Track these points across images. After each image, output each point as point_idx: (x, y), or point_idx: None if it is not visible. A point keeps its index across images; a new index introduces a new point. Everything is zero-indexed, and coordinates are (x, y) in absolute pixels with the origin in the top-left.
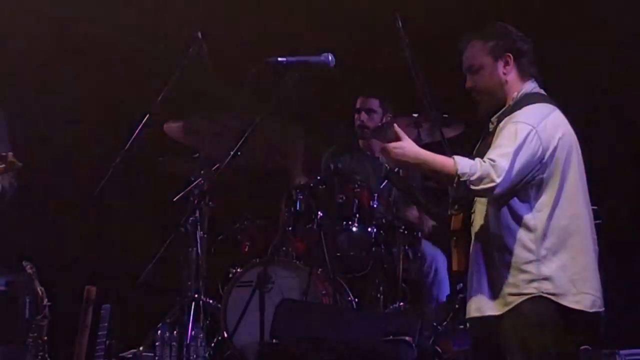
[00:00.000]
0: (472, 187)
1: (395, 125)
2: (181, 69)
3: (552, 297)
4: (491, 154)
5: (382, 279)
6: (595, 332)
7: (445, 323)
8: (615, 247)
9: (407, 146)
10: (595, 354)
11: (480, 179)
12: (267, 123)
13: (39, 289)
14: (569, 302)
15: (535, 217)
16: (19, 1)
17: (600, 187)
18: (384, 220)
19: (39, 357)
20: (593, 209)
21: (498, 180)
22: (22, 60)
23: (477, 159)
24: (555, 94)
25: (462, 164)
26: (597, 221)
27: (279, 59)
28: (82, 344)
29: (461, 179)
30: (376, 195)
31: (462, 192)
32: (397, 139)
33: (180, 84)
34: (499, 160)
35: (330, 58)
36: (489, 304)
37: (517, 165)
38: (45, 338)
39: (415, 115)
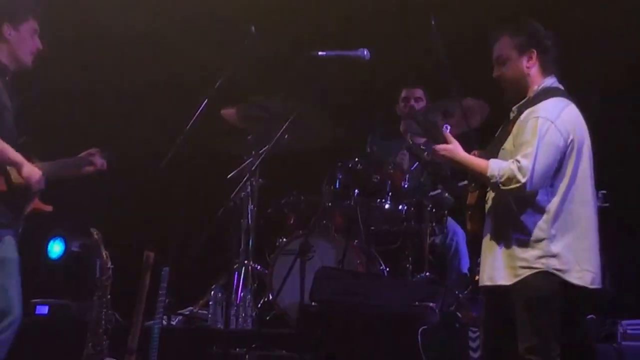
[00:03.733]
0: (503, 187)
1: (445, 130)
2: (237, 60)
3: (558, 273)
4: (517, 154)
5: (411, 251)
6: (594, 305)
7: (465, 292)
8: (621, 229)
9: (453, 149)
10: (600, 323)
11: (509, 180)
12: (308, 111)
13: (104, 252)
14: (572, 277)
15: (549, 200)
16: None
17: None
18: (414, 199)
19: (103, 312)
20: (602, 193)
21: (523, 180)
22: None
23: (509, 162)
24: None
25: (492, 167)
26: (606, 204)
27: (320, 52)
28: (142, 302)
29: (492, 181)
30: (407, 176)
31: (498, 191)
32: (446, 141)
33: (236, 74)
34: (523, 161)
35: (365, 52)
36: (500, 274)
37: (541, 161)
38: (109, 296)
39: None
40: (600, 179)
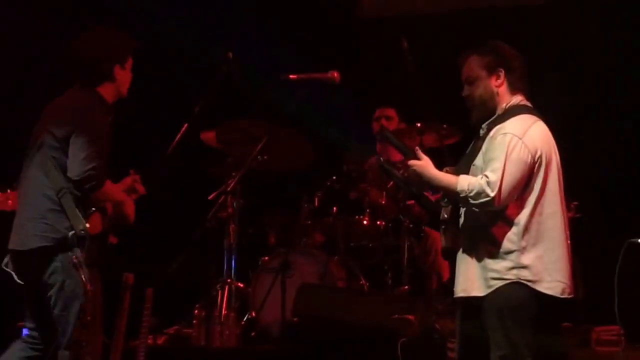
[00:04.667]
0: (472, 201)
1: (417, 148)
2: (215, 84)
3: (529, 283)
4: (486, 169)
5: (390, 266)
6: (567, 313)
7: (444, 303)
8: (592, 237)
9: (424, 165)
10: (574, 330)
11: (477, 195)
12: (281, 132)
13: (82, 275)
14: (543, 288)
15: (519, 213)
16: None
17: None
18: (391, 215)
19: (83, 334)
20: (574, 204)
21: (492, 194)
22: None
23: (477, 177)
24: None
25: (462, 183)
26: (578, 215)
27: (291, 76)
28: (122, 323)
29: (461, 196)
30: (384, 192)
31: (467, 206)
32: (417, 158)
33: (214, 98)
34: (491, 175)
35: (335, 75)
36: (473, 285)
37: (508, 176)
38: (89, 318)
39: (419, 124)
40: (573, 190)
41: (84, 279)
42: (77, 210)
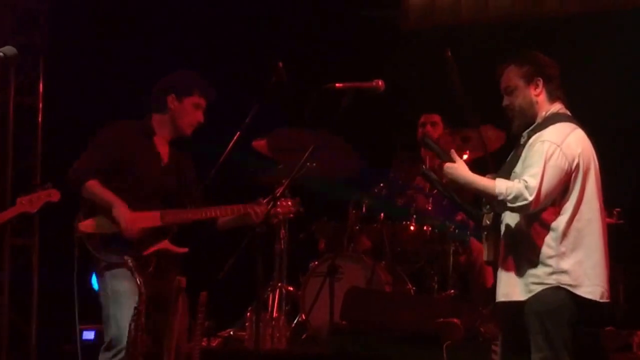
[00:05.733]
0: (510, 205)
1: (453, 150)
2: (266, 93)
3: (569, 288)
4: (524, 174)
5: (436, 270)
6: (608, 318)
7: (488, 307)
8: (634, 242)
9: (459, 167)
10: (616, 334)
11: (515, 198)
12: (329, 140)
13: (137, 279)
14: (583, 292)
15: (558, 219)
16: None
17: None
18: (437, 221)
19: (138, 336)
20: (617, 211)
21: (530, 198)
22: None
23: (515, 181)
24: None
25: (500, 186)
26: (621, 221)
27: (337, 84)
28: (174, 326)
29: (499, 199)
30: (430, 199)
31: (503, 209)
32: (452, 160)
33: (265, 107)
34: (530, 180)
35: (380, 83)
36: (514, 290)
37: (546, 182)
38: (143, 320)
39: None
40: (616, 197)
41: (138, 282)
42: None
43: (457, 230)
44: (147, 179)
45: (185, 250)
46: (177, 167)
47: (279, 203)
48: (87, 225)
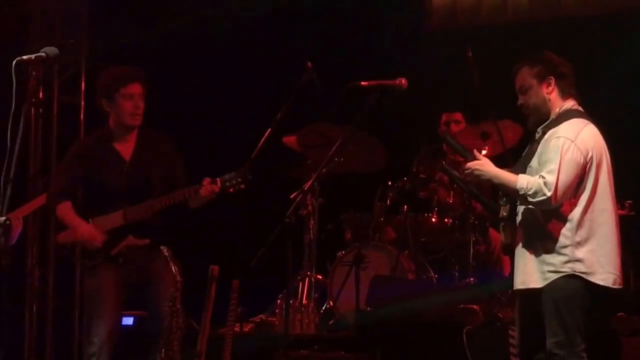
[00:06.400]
0: (530, 199)
1: (475, 150)
2: (296, 92)
3: (583, 275)
4: (542, 170)
5: (456, 259)
6: (620, 304)
7: (506, 294)
8: None
9: (484, 164)
10: (628, 320)
11: (535, 193)
12: (356, 136)
13: (173, 267)
14: (596, 279)
15: (573, 210)
16: None
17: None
18: (458, 213)
19: (173, 321)
20: (629, 203)
21: (549, 194)
22: None
23: (536, 177)
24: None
25: (521, 182)
26: (632, 213)
27: (362, 83)
28: (208, 311)
29: (520, 193)
30: (451, 192)
31: (526, 203)
32: (475, 157)
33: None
34: (548, 176)
35: (403, 81)
36: (531, 278)
37: (563, 177)
38: (179, 307)
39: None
40: (628, 189)
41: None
42: None
43: (476, 222)
44: (109, 182)
45: (147, 242)
46: (143, 161)
47: (225, 176)
48: (62, 237)
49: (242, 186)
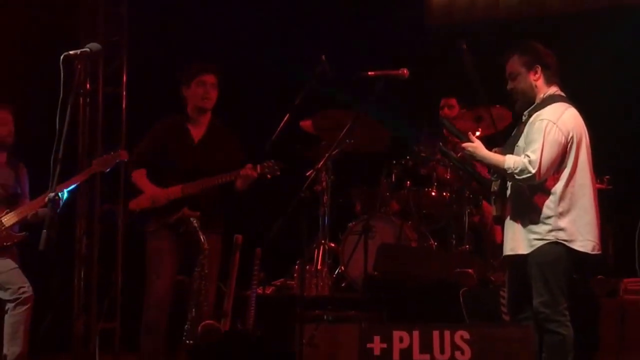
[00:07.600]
0: (517, 177)
1: (470, 133)
2: (311, 81)
3: (565, 242)
4: (527, 150)
5: (453, 229)
6: (599, 268)
7: (497, 259)
8: (621, 204)
9: (477, 147)
10: (606, 282)
11: (521, 171)
12: (364, 120)
13: (201, 236)
14: (577, 246)
15: (556, 185)
16: None
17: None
18: (455, 187)
19: (202, 285)
20: (607, 178)
21: (533, 171)
22: None
23: (521, 157)
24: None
25: (508, 162)
26: (610, 187)
27: (369, 72)
28: (233, 275)
29: (508, 172)
30: (449, 169)
31: (513, 181)
32: (469, 140)
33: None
34: (532, 155)
35: (405, 71)
36: (519, 245)
37: (546, 155)
38: (207, 271)
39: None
40: (606, 165)
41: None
42: None
43: (471, 196)
44: (176, 158)
45: (197, 214)
46: (209, 145)
47: (265, 163)
48: (133, 204)
49: (278, 173)
